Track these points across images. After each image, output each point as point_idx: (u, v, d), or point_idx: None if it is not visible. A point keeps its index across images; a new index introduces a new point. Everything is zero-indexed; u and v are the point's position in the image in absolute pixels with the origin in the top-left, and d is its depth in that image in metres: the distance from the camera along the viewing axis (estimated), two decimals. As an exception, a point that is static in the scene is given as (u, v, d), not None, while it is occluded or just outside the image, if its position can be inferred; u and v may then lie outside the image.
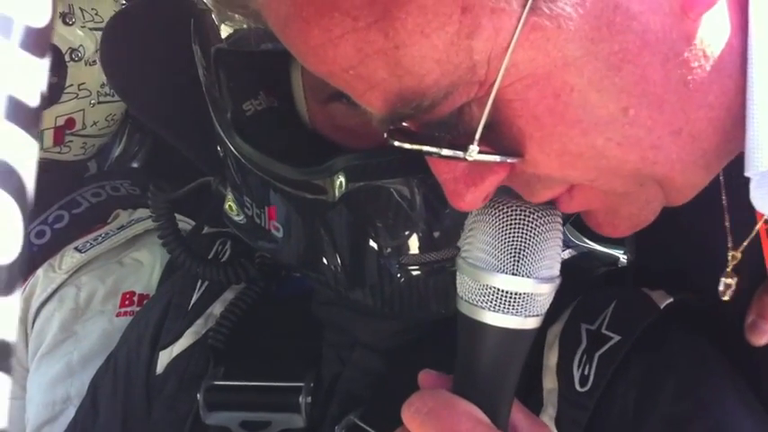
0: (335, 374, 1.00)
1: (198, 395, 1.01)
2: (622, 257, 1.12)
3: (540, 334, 0.93)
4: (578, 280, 1.00)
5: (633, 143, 0.58)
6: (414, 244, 0.83)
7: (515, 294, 0.65)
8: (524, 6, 0.52)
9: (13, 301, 0.22)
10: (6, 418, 0.21)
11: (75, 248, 1.47)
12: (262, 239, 0.94)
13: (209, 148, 1.07)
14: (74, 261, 1.45)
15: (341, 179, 0.83)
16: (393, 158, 0.82)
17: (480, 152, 0.58)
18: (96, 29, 1.46)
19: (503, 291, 0.65)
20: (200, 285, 1.15)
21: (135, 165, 1.78)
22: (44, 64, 0.22)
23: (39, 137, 0.21)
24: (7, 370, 0.21)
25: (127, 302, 1.42)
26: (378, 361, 0.97)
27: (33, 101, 0.21)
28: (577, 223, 1.31)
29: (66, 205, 1.53)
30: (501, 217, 0.66)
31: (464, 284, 0.67)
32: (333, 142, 0.91)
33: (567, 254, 1.05)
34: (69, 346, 1.39)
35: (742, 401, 0.92)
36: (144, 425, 1.09)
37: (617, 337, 0.90)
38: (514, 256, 0.65)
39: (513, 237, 0.65)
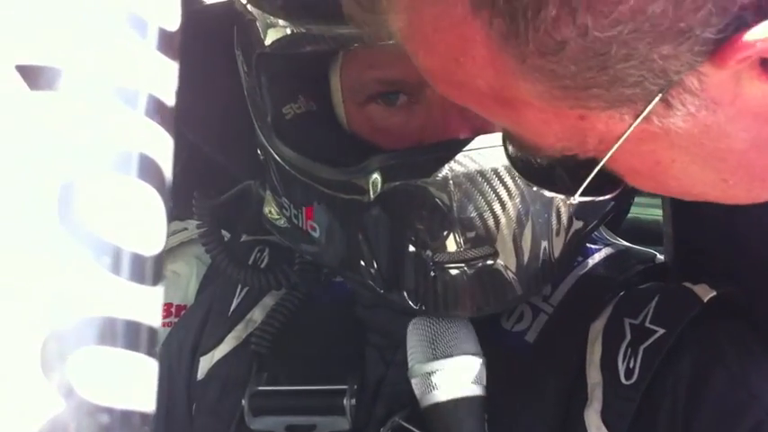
0: (380, 376, 1.00)
1: (243, 401, 1.01)
2: (659, 255, 1.12)
3: (582, 331, 0.95)
4: (616, 277, 1.01)
5: (730, 197, 0.64)
6: (449, 242, 0.84)
7: (458, 368, 0.87)
8: (636, 118, 0.55)
9: (159, 291, 0.23)
10: (154, 402, 0.22)
11: None
12: (303, 242, 0.95)
13: (248, 156, 1.09)
14: None
15: (376, 178, 0.84)
16: (428, 158, 0.83)
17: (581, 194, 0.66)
18: None
19: (433, 372, 0.86)
20: (240, 291, 1.15)
21: (169, 178, 1.79)
22: (176, 65, 0.23)
23: (174, 133, 0.22)
24: (155, 355, 0.22)
25: (165, 314, 1.43)
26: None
27: (170, 100, 0.22)
28: (611, 226, 1.31)
29: None
30: (418, 328, 0.91)
31: (415, 385, 0.88)
32: (370, 144, 0.92)
33: (604, 252, 1.06)
34: None
35: None
36: (187, 431, 1.10)
37: (661, 331, 0.90)
38: (430, 346, 0.88)
39: (425, 334, 0.89)
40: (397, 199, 0.84)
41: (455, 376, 0.86)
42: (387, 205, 0.85)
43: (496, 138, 0.83)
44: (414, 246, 0.85)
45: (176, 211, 1.55)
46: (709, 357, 0.90)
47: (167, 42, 0.22)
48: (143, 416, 0.21)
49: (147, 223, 0.22)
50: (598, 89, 0.53)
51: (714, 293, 0.92)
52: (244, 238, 1.26)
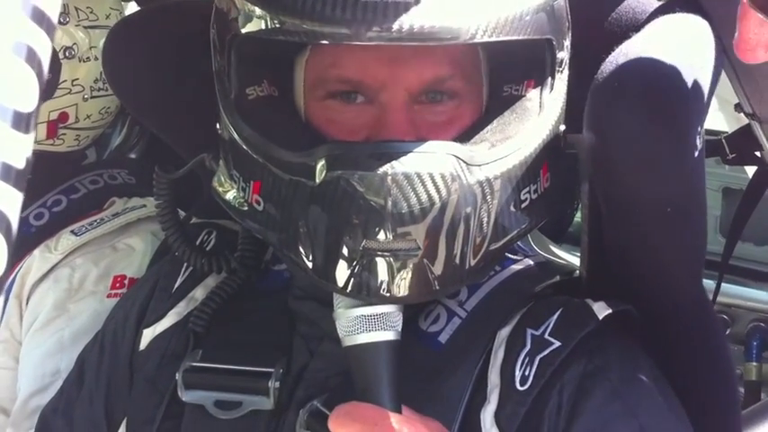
0: (304, 364, 1.07)
1: (177, 374, 1.08)
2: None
3: (490, 337, 1.02)
4: (530, 288, 1.09)
5: None
6: (380, 233, 0.90)
7: (376, 315, 0.93)
8: None
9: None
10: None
11: (72, 231, 1.53)
12: (247, 216, 1.01)
13: (192, 136, 1.13)
14: (69, 243, 1.51)
15: (323, 165, 0.91)
16: (372, 153, 0.90)
17: None
18: (91, 27, 1.52)
19: (356, 316, 0.93)
20: (185, 270, 1.22)
21: (133, 155, 1.85)
22: (29, 137, 0.30)
23: (23, 190, 0.29)
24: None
25: (117, 285, 1.49)
26: (343, 354, 1.04)
27: (20, 165, 0.29)
28: (553, 236, 1.39)
29: (65, 191, 1.59)
30: None
31: (339, 327, 0.95)
32: (322, 134, 1.00)
33: (523, 264, 1.13)
34: (61, 323, 1.46)
35: (668, 408, 1.01)
36: (125, 397, 1.17)
37: (558, 343, 0.98)
38: None
39: None
40: (338, 187, 0.90)
41: (374, 322, 0.93)
42: (328, 191, 0.91)
43: (438, 145, 0.91)
44: (347, 231, 0.91)
45: (138, 189, 1.62)
46: (595, 369, 0.98)
47: (21, 121, 0.28)
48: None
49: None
50: None
51: (609, 311, 1.00)
52: (194, 220, 1.33)
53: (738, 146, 1.50)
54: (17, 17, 0.28)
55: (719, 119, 1.91)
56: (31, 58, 0.30)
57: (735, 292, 2.27)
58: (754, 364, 2.24)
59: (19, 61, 0.29)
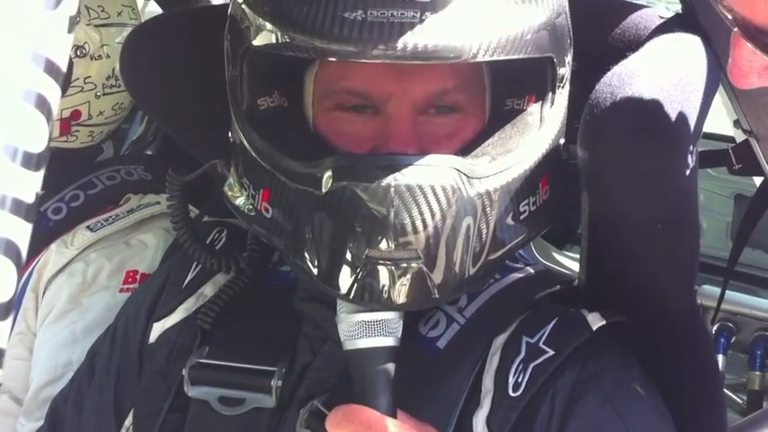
0: (306, 363, 1.10)
1: (183, 370, 1.12)
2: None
3: (486, 343, 1.05)
4: (528, 296, 1.12)
5: None
6: (382, 242, 0.93)
7: (376, 321, 0.97)
8: None
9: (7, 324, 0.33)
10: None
11: (88, 227, 1.56)
12: (255, 222, 1.05)
13: (207, 142, 1.18)
14: (85, 239, 1.55)
15: (329, 176, 0.94)
16: (377, 165, 0.93)
17: None
18: (102, 25, 1.54)
19: (357, 321, 0.97)
20: (195, 266, 1.26)
21: (149, 152, 1.88)
22: (38, 174, 0.33)
23: (33, 221, 0.32)
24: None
25: (130, 280, 1.52)
26: (345, 355, 1.07)
27: (30, 199, 0.33)
28: (552, 236, 1.41)
29: (82, 186, 1.62)
30: None
31: (341, 331, 0.98)
32: (329, 144, 1.03)
33: (523, 272, 1.16)
34: (75, 315, 1.49)
35: (660, 417, 1.04)
36: (134, 387, 1.20)
37: (551, 352, 1.02)
38: None
39: None
40: (344, 197, 0.93)
41: (374, 327, 0.97)
42: (333, 200, 0.94)
43: (440, 159, 0.95)
44: (351, 239, 0.94)
45: (154, 186, 1.66)
46: (588, 376, 1.02)
47: (31, 160, 0.32)
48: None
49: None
50: None
51: (603, 323, 1.03)
52: (206, 218, 1.37)
53: (745, 156, 1.53)
54: (28, 68, 0.32)
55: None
56: (41, 103, 0.33)
57: (741, 300, 2.28)
58: (758, 373, 2.23)
59: (29, 107, 0.33)
